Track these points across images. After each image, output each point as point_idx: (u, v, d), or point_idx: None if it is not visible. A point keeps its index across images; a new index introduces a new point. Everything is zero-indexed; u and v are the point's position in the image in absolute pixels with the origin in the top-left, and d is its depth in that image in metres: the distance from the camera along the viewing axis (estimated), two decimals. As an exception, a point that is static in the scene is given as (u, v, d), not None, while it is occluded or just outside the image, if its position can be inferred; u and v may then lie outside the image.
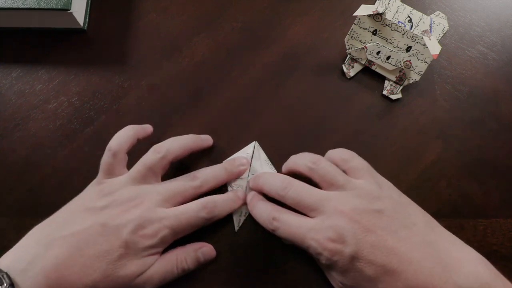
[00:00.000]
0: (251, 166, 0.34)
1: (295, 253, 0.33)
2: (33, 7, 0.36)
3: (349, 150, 0.32)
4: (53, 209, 0.34)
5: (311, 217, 0.28)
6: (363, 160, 0.31)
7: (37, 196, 0.35)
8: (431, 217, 0.29)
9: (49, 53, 0.39)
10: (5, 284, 0.24)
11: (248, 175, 0.34)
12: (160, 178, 0.32)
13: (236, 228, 0.33)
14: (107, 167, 0.31)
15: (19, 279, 0.25)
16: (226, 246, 0.33)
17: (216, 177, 0.32)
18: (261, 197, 0.32)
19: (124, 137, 0.31)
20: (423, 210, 0.29)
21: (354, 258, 0.26)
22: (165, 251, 0.30)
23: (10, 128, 0.37)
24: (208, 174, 0.32)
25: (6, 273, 0.24)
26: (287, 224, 0.28)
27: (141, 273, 0.28)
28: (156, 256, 0.29)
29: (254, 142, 0.36)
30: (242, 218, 0.34)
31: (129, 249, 0.27)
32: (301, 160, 0.31)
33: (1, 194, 0.35)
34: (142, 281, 0.28)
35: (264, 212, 0.30)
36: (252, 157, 0.35)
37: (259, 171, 0.34)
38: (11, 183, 0.35)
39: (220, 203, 0.31)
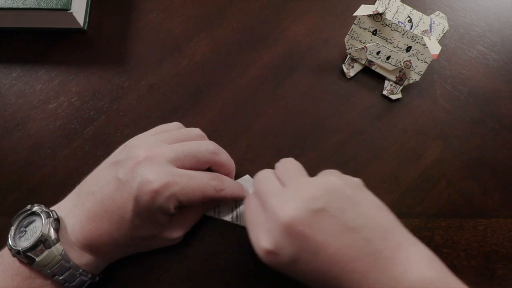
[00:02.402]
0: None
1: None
2: (33, 7, 0.36)
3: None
4: (53, 209, 0.34)
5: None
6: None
7: (37, 196, 0.35)
8: (386, 211, 0.26)
9: (49, 53, 0.39)
10: (52, 218, 0.27)
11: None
12: None
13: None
14: (161, 128, 0.32)
15: (62, 221, 0.28)
16: (224, 246, 0.33)
17: (228, 157, 0.32)
18: None
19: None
20: (379, 204, 0.26)
21: (294, 262, 0.24)
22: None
23: (10, 128, 0.37)
24: (223, 150, 0.32)
25: (55, 211, 0.28)
26: (248, 203, 0.29)
27: (159, 232, 0.29)
28: (168, 220, 0.29)
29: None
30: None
31: (138, 205, 0.27)
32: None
33: (1, 193, 0.35)
34: (168, 233, 0.30)
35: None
36: None
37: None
38: (11, 183, 0.35)
39: (227, 180, 0.31)
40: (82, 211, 0.28)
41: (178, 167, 0.28)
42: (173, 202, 0.27)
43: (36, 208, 0.28)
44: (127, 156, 0.29)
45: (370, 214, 0.25)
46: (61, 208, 0.29)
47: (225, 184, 0.30)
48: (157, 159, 0.28)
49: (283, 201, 0.25)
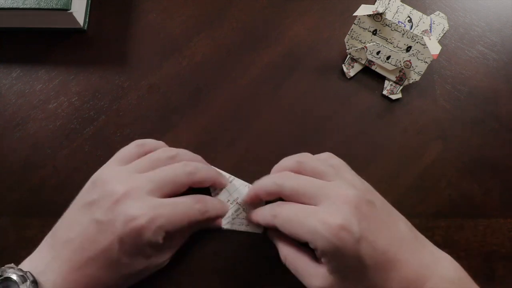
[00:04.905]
0: (232, 183, 0.34)
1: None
2: (33, 7, 0.36)
3: (326, 152, 0.32)
4: (53, 209, 0.34)
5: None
6: (339, 159, 0.31)
7: (37, 196, 0.35)
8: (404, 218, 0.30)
9: (49, 53, 0.39)
10: (29, 281, 0.25)
11: (231, 192, 0.34)
12: None
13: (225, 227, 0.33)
14: (124, 153, 0.30)
15: (40, 279, 0.26)
16: (224, 246, 0.33)
17: (207, 170, 0.31)
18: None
19: (157, 142, 0.32)
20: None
21: (360, 240, 0.25)
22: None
23: (10, 128, 0.37)
24: (199, 165, 0.31)
25: (29, 271, 0.25)
26: (288, 209, 0.28)
27: (148, 266, 0.28)
28: (157, 250, 0.28)
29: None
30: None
31: (125, 244, 0.26)
32: (288, 159, 0.31)
33: (1, 193, 0.35)
34: (156, 260, 0.28)
35: (265, 210, 0.30)
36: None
37: (240, 188, 0.34)
38: (11, 182, 0.35)
39: (210, 201, 0.31)
40: (62, 262, 0.26)
41: (158, 197, 0.28)
42: (161, 234, 0.27)
43: (9, 273, 0.25)
44: (102, 195, 0.27)
45: (398, 214, 0.30)
46: (35, 264, 0.27)
47: (209, 206, 0.30)
48: (136, 193, 0.27)
49: (341, 187, 0.27)
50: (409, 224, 0.29)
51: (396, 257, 0.26)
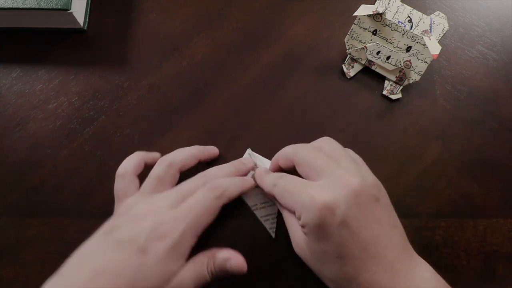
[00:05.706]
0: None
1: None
2: (33, 7, 0.36)
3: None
4: (53, 209, 0.34)
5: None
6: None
7: (37, 196, 0.35)
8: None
9: (49, 53, 0.39)
10: None
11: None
12: (170, 187, 0.31)
13: (273, 235, 0.33)
14: (118, 191, 0.31)
15: None
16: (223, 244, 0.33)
17: (225, 173, 0.32)
18: (267, 169, 0.33)
19: (129, 161, 0.32)
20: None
21: (342, 224, 0.25)
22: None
23: (10, 128, 0.37)
24: (216, 171, 0.32)
25: None
26: (287, 180, 0.29)
27: (168, 281, 0.27)
28: (180, 261, 0.27)
29: (247, 149, 0.36)
30: (273, 223, 0.34)
31: (146, 257, 0.26)
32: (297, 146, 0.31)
33: (1, 193, 0.35)
34: None
35: (269, 179, 0.30)
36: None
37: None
38: (11, 183, 0.35)
39: (226, 181, 0.31)
40: (82, 284, 0.25)
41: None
42: (188, 241, 0.28)
43: None
44: (125, 219, 0.28)
45: (398, 220, 0.28)
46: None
47: (224, 185, 0.30)
48: (158, 210, 0.28)
49: (349, 172, 0.27)
50: (404, 235, 0.28)
51: (374, 256, 0.25)
